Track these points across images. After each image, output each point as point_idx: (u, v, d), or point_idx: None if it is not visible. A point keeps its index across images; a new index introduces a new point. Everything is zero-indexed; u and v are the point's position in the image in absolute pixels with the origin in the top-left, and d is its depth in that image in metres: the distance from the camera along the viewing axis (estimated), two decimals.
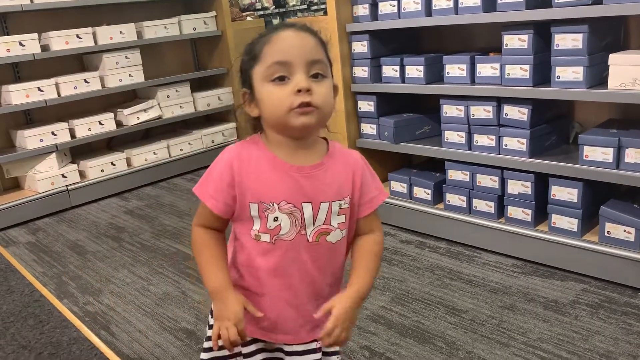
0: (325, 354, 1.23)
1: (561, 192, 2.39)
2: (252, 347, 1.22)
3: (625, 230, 2.22)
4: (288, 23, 1.10)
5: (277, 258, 1.12)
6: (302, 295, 1.16)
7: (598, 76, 2.24)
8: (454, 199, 2.77)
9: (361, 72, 3.01)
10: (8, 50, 3.63)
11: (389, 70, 2.91)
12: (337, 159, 1.14)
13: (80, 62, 4.33)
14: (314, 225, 1.11)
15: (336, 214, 1.12)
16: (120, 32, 4.17)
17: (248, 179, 1.09)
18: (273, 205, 1.09)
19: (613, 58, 2.13)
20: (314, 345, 1.20)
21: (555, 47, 2.26)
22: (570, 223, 2.38)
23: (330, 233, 1.13)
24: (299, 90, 1.02)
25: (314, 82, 1.05)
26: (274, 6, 8.27)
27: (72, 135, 4.04)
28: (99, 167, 4.14)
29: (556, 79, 2.28)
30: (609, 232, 2.27)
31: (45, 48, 3.87)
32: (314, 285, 1.16)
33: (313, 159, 1.12)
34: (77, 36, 3.95)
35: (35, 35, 3.76)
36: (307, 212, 1.10)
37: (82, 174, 4.12)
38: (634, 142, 2.13)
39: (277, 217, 1.09)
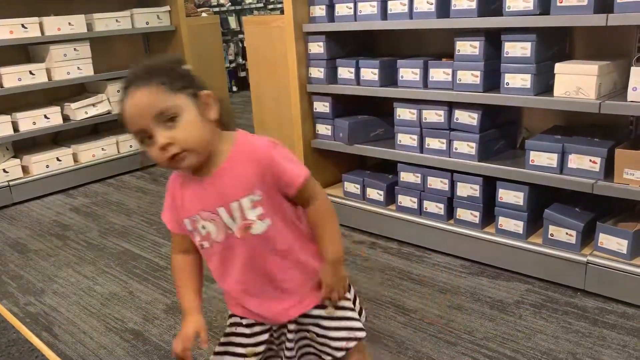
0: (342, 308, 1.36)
1: (508, 195, 2.46)
2: (256, 328, 1.36)
3: (567, 233, 2.31)
4: (131, 79, 1.16)
5: (221, 257, 1.27)
6: (257, 284, 1.28)
7: (545, 84, 2.32)
8: (406, 200, 2.82)
9: (317, 72, 3.01)
10: None
11: (345, 72, 2.93)
12: (243, 156, 1.21)
13: (25, 52, 4.15)
14: (235, 223, 1.21)
15: (249, 209, 1.20)
16: (69, 23, 4.03)
17: (178, 199, 1.26)
18: (197, 216, 1.23)
19: (559, 67, 2.21)
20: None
21: (505, 55, 2.33)
22: (516, 225, 2.45)
23: (252, 226, 1.22)
24: (165, 144, 1.12)
25: (171, 127, 1.12)
26: (229, 3, 8.18)
27: (15, 129, 3.88)
28: (43, 163, 3.99)
29: (505, 86, 2.35)
30: (552, 235, 2.35)
31: None
32: (267, 271, 1.27)
33: (217, 164, 1.20)
34: (23, 26, 3.79)
35: None
36: (223, 215, 1.21)
37: (25, 170, 3.95)
38: (576, 148, 2.22)
39: (204, 226, 1.24)
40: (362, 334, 1.35)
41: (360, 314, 1.40)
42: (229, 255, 1.26)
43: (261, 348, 1.36)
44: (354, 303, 1.40)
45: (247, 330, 1.35)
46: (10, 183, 3.81)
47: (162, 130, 1.12)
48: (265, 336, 1.36)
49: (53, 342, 2.18)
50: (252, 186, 1.20)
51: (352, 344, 1.33)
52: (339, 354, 1.33)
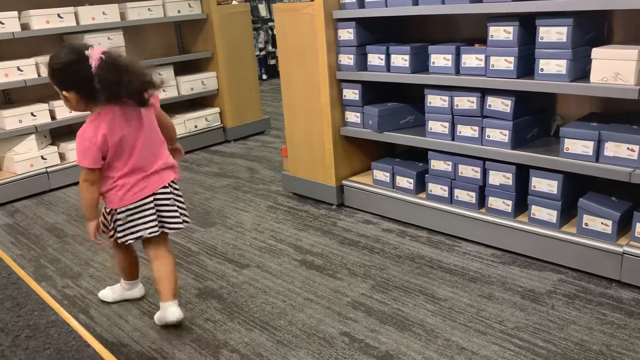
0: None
1: (541, 184, 2.42)
2: None
3: (602, 223, 2.26)
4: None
5: None
6: None
7: (581, 70, 2.26)
8: (436, 188, 2.79)
9: (347, 59, 3.00)
10: None
11: (375, 59, 2.90)
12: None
13: (61, 42, 4.24)
14: None
15: None
16: (103, 12, 4.10)
17: None
18: None
19: (596, 52, 2.15)
20: None
21: (539, 40, 2.28)
22: (550, 214, 2.41)
23: None
24: None
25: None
26: None
27: (52, 117, 3.98)
28: None
29: (540, 72, 2.29)
30: (586, 224, 2.31)
31: (25, 27, 3.79)
32: None
33: None
34: (58, 15, 3.87)
35: (15, 13, 3.68)
36: None
37: (62, 156, 4.06)
38: (613, 135, 2.15)
39: None
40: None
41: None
42: None
43: None
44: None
45: None
46: (48, 170, 3.92)
47: None
48: None
49: (90, 324, 2.25)
50: None
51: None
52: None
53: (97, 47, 1.91)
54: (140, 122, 2.02)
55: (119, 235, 2.10)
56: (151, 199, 2.06)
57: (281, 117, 3.85)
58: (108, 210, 2.10)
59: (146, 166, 2.05)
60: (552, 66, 2.25)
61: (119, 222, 2.08)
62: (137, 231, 2.08)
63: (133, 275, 2.37)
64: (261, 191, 3.65)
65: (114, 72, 1.88)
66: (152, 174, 2.06)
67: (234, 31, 4.84)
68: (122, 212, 2.05)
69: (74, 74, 1.89)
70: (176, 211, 2.14)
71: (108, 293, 2.41)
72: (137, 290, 2.40)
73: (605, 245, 2.24)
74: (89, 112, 2.00)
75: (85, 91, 1.91)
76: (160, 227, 2.11)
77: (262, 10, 8.28)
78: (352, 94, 3.05)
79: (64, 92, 1.92)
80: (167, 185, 2.10)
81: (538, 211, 2.44)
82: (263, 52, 8.31)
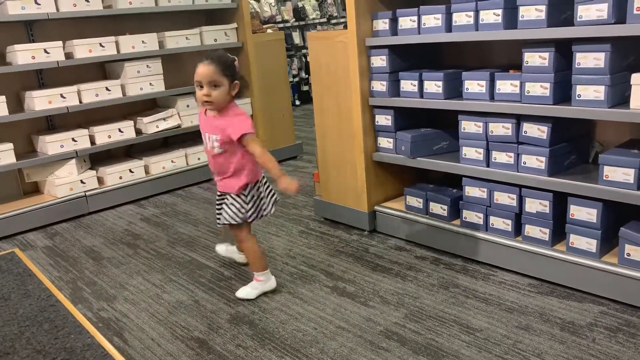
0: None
1: (580, 212, 2.35)
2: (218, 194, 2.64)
3: None
4: (209, 55, 2.36)
5: (209, 156, 2.53)
6: (218, 171, 2.54)
7: (620, 96, 2.21)
8: (471, 215, 2.75)
9: (379, 86, 3.01)
10: (33, 58, 3.71)
11: (408, 85, 2.91)
12: (226, 117, 2.41)
13: (102, 70, 4.40)
14: (209, 142, 2.46)
15: (214, 141, 2.43)
16: (143, 41, 4.23)
17: (201, 120, 2.55)
18: (204, 131, 2.49)
19: (635, 78, 2.10)
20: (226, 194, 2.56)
21: (576, 66, 2.24)
22: (589, 243, 2.34)
23: (214, 148, 2.44)
24: (205, 95, 2.35)
25: (213, 89, 2.34)
26: (294, 19, 8.33)
27: (92, 142, 4.10)
28: (117, 174, 4.19)
29: (577, 98, 2.26)
30: (628, 254, 2.23)
31: (69, 56, 3.94)
32: (220, 170, 2.51)
33: (215, 114, 2.44)
34: (100, 45, 4.02)
35: (60, 43, 3.84)
36: (207, 136, 2.47)
37: (100, 180, 4.17)
38: None
39: (204, 139, 2.51)
40: (227, 221, 2.52)
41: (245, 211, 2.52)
42: (209, 157, 2.52)
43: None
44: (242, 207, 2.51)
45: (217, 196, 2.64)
46: (87, 193, 4.02)
47: (207, 87, 2.34)
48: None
49: (123, 348, 2.27)
50: (218, 132, 2.41)
51: (224, 221, 2.54)
52: (223, 221, 2.55)
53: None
54: None
55: (250, 214, 2.50)
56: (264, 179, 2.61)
57: (313, 142, 3.87)
58: (247, 192, 2.49)
59: None
60: (590, 92, 2.21)
61: (250, 203, 2.50)
62: (264, 208, 2.56)
63: (265, 263, 2.62)
64: (293, 216, 3.66)
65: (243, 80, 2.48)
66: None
67: (269, 58, 4.92)
68: (263, 182, 2.56)
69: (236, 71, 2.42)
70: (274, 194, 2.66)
71: (248, 290, 2.59)
72: (273, 281, 2.63)
73: None
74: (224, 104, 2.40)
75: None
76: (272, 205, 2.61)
77: (296, 37, 8.41)
78: (384, 119, 3.06)
79: (234, 81, 2.37)
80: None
81: (577, 240, 2.38)
82: (296, 79, 8.41)
